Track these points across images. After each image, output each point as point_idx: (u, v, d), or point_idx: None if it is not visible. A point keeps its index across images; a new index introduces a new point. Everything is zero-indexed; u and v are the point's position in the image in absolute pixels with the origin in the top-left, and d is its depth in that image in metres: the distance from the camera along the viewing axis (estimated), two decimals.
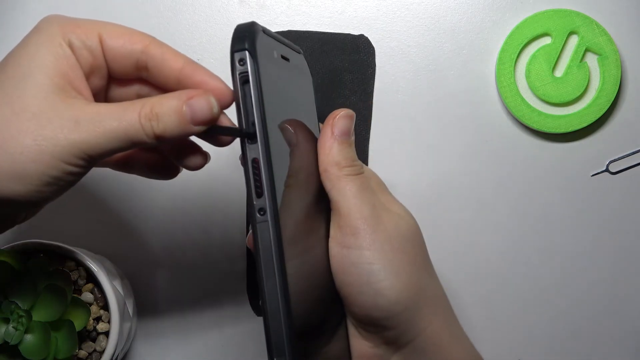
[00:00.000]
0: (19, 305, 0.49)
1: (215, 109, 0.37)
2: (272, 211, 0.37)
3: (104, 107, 0.37)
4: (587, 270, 0.58)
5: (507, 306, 0.58)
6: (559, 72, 0.57)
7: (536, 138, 0.58)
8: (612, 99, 0.57)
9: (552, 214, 0.58)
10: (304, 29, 0.58)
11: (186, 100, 0.37)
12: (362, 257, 0.40)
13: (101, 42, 0.40)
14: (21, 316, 0.49)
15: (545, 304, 0.58)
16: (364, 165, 0.44)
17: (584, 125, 0.57)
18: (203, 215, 0.58)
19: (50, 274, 0.50)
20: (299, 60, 0.43)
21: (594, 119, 0.57)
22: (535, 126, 0.57)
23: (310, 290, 0.40)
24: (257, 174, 0.38)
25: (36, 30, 0.39)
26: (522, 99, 0.57)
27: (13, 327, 0.49)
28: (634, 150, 0.58)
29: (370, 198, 0.41)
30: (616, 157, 0.58)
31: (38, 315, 0.49)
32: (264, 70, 0.38)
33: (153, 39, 0.41)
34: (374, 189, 0.42)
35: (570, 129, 0.57)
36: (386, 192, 0.44)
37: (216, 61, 0.58)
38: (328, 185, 0.41)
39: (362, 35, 0.58)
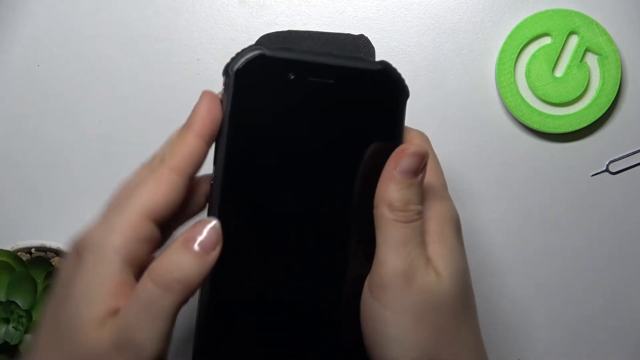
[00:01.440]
0: (19, 305, 0.49)
1: (219, 232, 0.36)
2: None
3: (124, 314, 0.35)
4: (586, 271, 0.58)
5: (507, 306, 0.58)
6: (559, 72, 0.57)
7: (536, 138, 0.58)
8: (612, 99, 0.57)
9: (552, 214, 0.58)
10: (304, 29, 0.58)
11: (193, 248, 0.35)
12: (382, 316, 0.37)
13: (153, 219, 0.36)
14: (21, 316, 0.49)
15: (545, 304, 0.58)
16: (445, 201, 0.39)
17: (584, 125, 0.57)
18: (203, 214, 0.58)
19: (50, 274, 0.50)
20: (363, 81, 0.38)
21: (594, 119, 0.57)
22: (535, 126, 0.57)
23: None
24: (211, 194, 0.37)
25: (94, 266, 0.35)
26: (522, 99, 0.57)
27: (13, 327, 0.49)
28: (634, 150, 0.58)
29: (412, 252, 0.37)
30: (616, 157, 0.58)
31: (38, 315, 0.49)
32: (249, 94, 0.37)
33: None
34: (428, 239, 0.38)
35: (570, 129, 0.57)
36: (442, 242, 0.38)
37: (216, 61, 0.58)
38: (376, 222, 0.38)
39: (362, 35, 0.58)
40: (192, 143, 0.37)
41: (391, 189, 0.37)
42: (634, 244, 0.58)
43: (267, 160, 0.37)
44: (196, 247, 0.35)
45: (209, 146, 0.38)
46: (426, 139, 0.41)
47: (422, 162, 0.38)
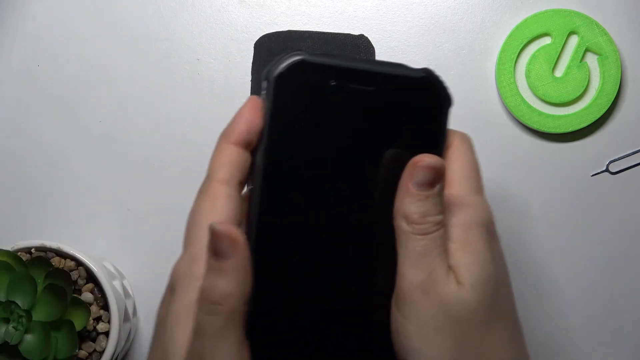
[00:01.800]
0: (19, 305, 0.49)
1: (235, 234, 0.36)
2: (253, 242, 0.37)
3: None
4: (586, 270, 0.58)
5: None
6: (559, 72, 0.57)
7: (536, 138, 0.58)
8: (612, 99, 0.57)
9: (552, 214, 0.58)
10: (304, 29, 0.58)
11: (212, 263, 0.36)
12: (404, 327, 0.36)
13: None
14: (21, 316, 0.49)
15: (544, 304, 0.58)
16: (473, 206, 0.38)
17: (584, 125, 0.57)
18: None
19: (50, 274, 0.50)
20: (405, 89, 0.38)
21: (594, 119, 0.57)
22: (535, 126, 0.57)
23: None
24: (250, 200, 0.37)
25: (183, 297, 0.37)
26: (522, 99, 0.57)
27: (13, 327, 0.49)
28: (634, 150, 0.58)
29: (431, 264, 0.36)
30: (616, 157, 0.58)
31: (38, 315, 0.49)
32: (289, 99, 0.37)
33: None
34: (452, 246, 0.37)
35: (570, 129, 0.57)
36: (467, 249, 0.37)
37: (216, 61, 0.58)
38: (396, 235, 0.37)
39: (362, 35, 0.58)
40: (230, 152, 0.37)
41: (407, 202, 0.37)
42: (634, 244, 0.58)
43: (307, 167, 0.37)
44: (214, 260, 0.35)
45: (249, 150, 0.38)
46: (465, 141, 0.40)
47: (436, 174, 0.37)
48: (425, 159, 0.37)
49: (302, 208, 0.37)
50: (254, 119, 0.37)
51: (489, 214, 0.39)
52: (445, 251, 0.37)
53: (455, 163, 0.39)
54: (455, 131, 0.40)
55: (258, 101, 0.38)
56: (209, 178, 0.38)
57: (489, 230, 0.39)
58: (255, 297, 0.36)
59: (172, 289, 0.37)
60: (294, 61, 0.36)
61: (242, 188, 0.38)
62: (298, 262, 0.38)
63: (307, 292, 0.38)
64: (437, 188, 0.37)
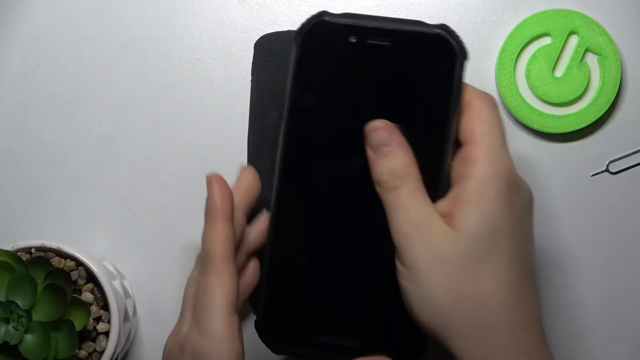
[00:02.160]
0: (19, 305, 0.49)
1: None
2: (275, 196, 0.41)
3: None
4: (586, 270, 0.58)
5: None
6: (559, 72, 0.57)
7: (536, 138, 0.58)
8: (612, 99, 0.57)
9: (552, 214, 0.58)
10: None
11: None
12: (400, 273, 0.40)
13: (236, 308, 0.43)
14: (21, 316, 0.49)
15: (544, 304, 0.58)
16: (494, 160, 0.39)
17: (584, 125, 0.57)
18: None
19: (50, 274, 0.50)
20: (422, 44, 0.40)
21: (594, 119, 0.57)
22: (535, 126, 0.57)
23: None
24: (277, 148, 0.41)
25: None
26: (522, 99, 0.57)
27: (13, 327, 0.49)
28: (634, 150, 0.58)
29: (408, 213, 0.39)
30: (616, 157, 0.58)
31: (38, 315, 0.49)
32: (312, 57, 0.40)
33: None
34: (463, 195, 0.39)
35: (570, 129, 0.57)
36: (475, 201, 0.39)
37: (216, 61, 0.58)
38: None
39: None
40: (222, 230, 0.42)
41: (372, 167, 0.40)
42: (634, 244, 0.58)
43: (328, 120, 0.40)
44: None
45: (243, 219, 0.44)
46: (487, 100, 0.41)
47: (385, 133, 0.40)
48: (371, 124, 0.40)
49: (324, 156, 0.41)
50: (227, 189, 0.42)
51: (509, 168, 0.41)
52: (423, 200, 0.40)
53: (476, 121, 0.41)
54: (476, 90, 0.42)
55: (221, 176, 0.42)
56: (211, 258, 0.42)
57: (508, 184, 0.40)
58: (276, 260, 0.42)
59: None
60: (316, 21, 0.41)
61: (236, 260, 0.43)
62: (320, 218, 0.41)
63: (325, 253, 0.42)
64: (394, 144, 0.40)
